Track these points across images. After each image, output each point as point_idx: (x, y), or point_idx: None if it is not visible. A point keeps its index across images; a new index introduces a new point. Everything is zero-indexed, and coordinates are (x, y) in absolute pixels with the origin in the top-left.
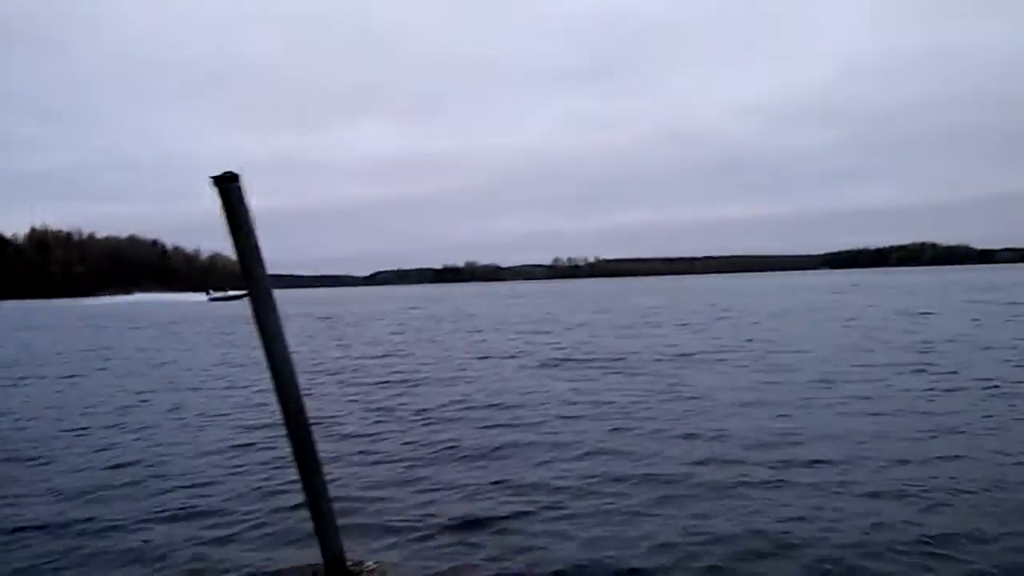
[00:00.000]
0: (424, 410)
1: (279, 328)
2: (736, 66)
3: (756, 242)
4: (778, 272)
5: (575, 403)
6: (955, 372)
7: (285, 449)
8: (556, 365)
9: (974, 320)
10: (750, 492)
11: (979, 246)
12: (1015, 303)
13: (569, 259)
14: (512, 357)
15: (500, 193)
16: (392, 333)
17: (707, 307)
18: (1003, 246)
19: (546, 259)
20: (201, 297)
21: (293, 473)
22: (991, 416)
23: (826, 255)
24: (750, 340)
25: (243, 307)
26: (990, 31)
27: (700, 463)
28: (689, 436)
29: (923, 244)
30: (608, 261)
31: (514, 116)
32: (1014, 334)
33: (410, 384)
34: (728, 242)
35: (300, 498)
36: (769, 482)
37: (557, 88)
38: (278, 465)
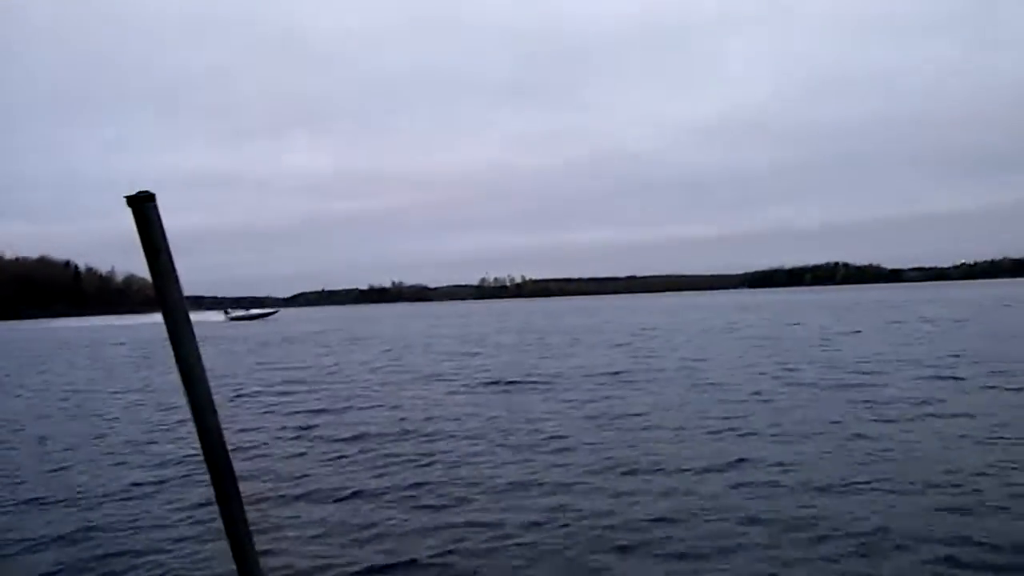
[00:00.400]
0: (356, 438)
1: (197, 354)
2: (671, 86)
3: (681, 262)
4: (703, 292)
5: (508, 430)
6: (884, 386)
7: (206, 486)
8: (487, 386)
9: (894, 337)
10: (687, 529)
11: (889, 266)
12: (926, 319)
13: (496, 279)
14: (443, 379)
15: (428, 213)
16: (319, 355)
17: (637, 327)
18: (911, 266)
19: (473, 279)
20: (218, 316)
21: (214, 510)
22: (920, 440)
23: (746, 275)
24: (682, 359)
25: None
26: (919, 56)
27: (635, 495)
28: (628, 463)
29: (836, 264)
30: (536, 281)
31: (447, 135)
32: (930, 351)
33: (339, 411)
34: (654, 262)
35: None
36: (704, 512)
37: (489, 108)
38: (201, 502)
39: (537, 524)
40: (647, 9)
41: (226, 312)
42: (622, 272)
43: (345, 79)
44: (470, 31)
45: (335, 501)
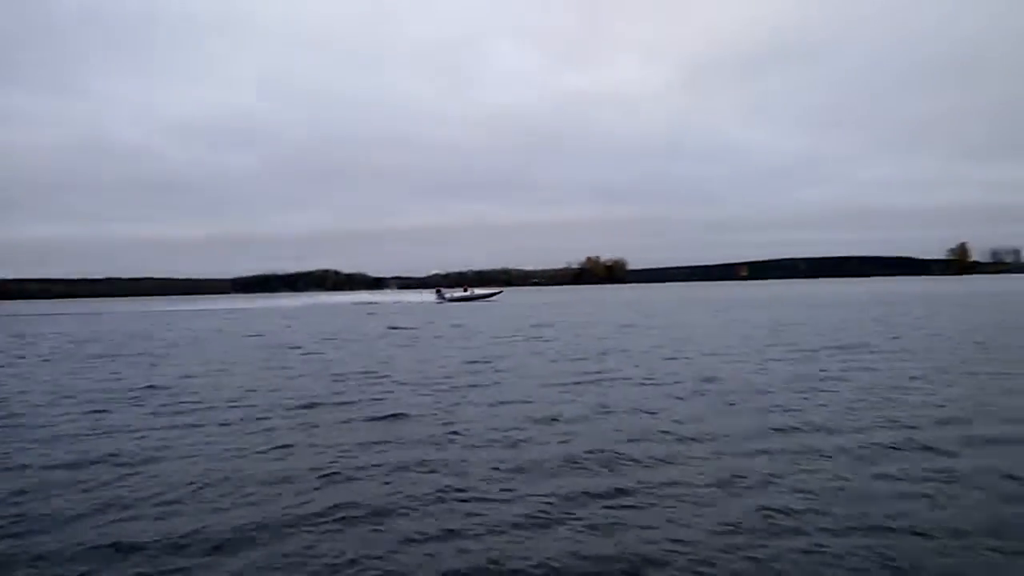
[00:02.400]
0: None
1: None
2: (160, 78)
3: (169, 264)
4: (189, 296)
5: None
6: (423, 417)
7: None
8: None
9: (394, 346)
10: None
11: (374, 274)
12: (403, 328)
13: None
14: None
15: None
16: None
17: (124, 335)
18: (392, 275)
19: None
20: (427, 297)
21: None
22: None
23: (237, 279)
24: (185, 377)
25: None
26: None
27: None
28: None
29: (327, 271)
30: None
31: None
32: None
33: None
34: (137, 263)
35: None
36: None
37: None
38: None
39: None
40: None
41: (438, 292)
42: (107, 273)
43: None
44: None
45: None
